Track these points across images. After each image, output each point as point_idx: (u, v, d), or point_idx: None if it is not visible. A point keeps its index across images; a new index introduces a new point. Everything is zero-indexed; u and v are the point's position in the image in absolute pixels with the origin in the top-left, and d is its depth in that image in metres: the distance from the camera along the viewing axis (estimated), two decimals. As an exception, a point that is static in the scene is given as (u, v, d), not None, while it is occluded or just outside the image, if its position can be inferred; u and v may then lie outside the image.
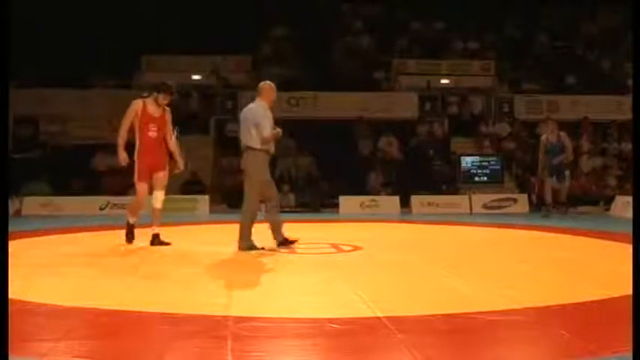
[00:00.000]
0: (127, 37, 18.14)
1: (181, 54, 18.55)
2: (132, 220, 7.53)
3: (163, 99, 7.38)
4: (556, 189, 12.86)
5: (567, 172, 12.86)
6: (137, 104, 7.36)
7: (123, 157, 7.28)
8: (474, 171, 16.80)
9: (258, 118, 6.97)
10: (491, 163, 16.74)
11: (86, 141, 17.14)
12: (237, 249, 6.97)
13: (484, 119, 18.79)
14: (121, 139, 7.34)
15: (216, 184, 16.26)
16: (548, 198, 12.79)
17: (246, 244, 6.95)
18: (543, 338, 3.47)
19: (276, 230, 7.17)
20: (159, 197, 7.40)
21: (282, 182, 14.87)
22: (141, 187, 7.32)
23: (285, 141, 16.70)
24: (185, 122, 15.50)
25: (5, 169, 4.06)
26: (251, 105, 7.21)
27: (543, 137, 12.95)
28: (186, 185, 15.43)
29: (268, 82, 7.32)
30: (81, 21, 18.42)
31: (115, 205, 14.82)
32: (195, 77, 18.95)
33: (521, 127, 18.36)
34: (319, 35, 20.11)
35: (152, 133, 7.28)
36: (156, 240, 7.36)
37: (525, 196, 15.79)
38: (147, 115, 7.31)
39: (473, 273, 5.70)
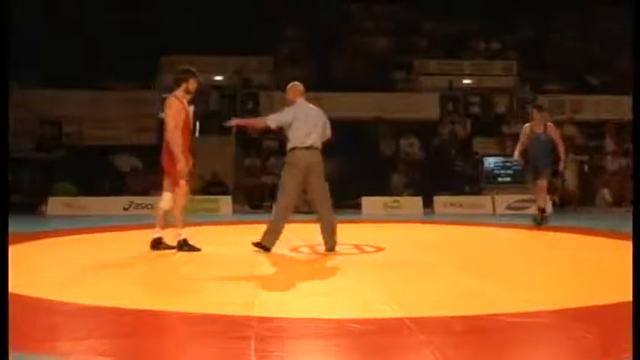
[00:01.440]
0: (147, 38, 18.29)
1: (201, 54, 18.66)
2: (183, 231, 6.97)
3: (193, 84, 6.99)
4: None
5: (549, 170, 10.30)
6: (176, 102, 6.87)
7: (183, 165, 6.76)
8: (497, 171, 16.67)
9: (325, 119, 7.10)
10: (515, 163, 16.59)
11: (108, 142, 17.34)
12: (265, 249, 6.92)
13: (506, 119, 18.64)
14: (179, 145, 6.77)
15: (239, 185, 16.33)
16: (542, 202, 10.40)
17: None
18: (565, 340, 3.43)
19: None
20: (170, 201, 7.02)
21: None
22: (186, 189, 6.91)
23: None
24: (206, 123, 15.63)
25: (5, 170, 4.11)
26: (311, 105, 7.18)
27: (527, 126, 10.42)
28: (208, 186, 15.53)
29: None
30: (102, 23, 18.62)
31: (138, 205, 14.94)
32: (217, 78, 19.03)
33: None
34: (339, 35, 20.11)
35: (196, 132, 7.01)
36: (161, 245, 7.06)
37: (549, 196, 15.62)
38: (187, 112, 6.96)
39: (495, 274, 5.64)
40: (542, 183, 10.11)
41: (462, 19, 21.19)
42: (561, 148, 10.07)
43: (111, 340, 3.44)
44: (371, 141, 17.63)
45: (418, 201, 15.63)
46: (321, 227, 6.98)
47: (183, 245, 6.87)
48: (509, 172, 16.75)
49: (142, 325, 3.69)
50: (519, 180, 16.30)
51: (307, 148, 6.90)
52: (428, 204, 15.55)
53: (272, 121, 7.12)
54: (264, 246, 6.86)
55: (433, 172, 16.70)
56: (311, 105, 7.18)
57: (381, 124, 17.88)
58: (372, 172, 16.29)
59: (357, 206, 15.42)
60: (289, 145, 6.98)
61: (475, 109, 19.08)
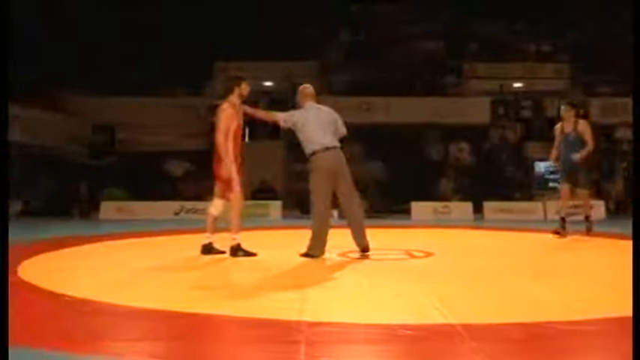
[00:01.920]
0: (198, 45, 18.57)
1: (252, 60, 18.87)
2: (238, 236, 6.97)
3: (245, 88, 7.00)
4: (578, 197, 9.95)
5: (582, 174, 9.50)
6: (229, 110, 6.86)
7: (234, 171, 6.79)
8: (549, 177, 16.32)
9: (336, 116, 7.02)
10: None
11: (160, 147, 17.66)
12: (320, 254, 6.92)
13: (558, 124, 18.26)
14: (229, 152, 6.79)
15: (289, 190, 16.43)
16: (563, 210, 9.67)
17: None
18: (622, 349, 3.32)
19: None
20: (220, 204, 7.06)
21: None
22: (241, 194, 6.93)
23: (355, 147, 16.71)
24: (256, 128, 15.80)
25: (5, 170, 4.17)
26: (318, 105, 7.11)
27: (558, 126, 9.66)
28: (257, 191, 15.66)
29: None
30: (155, 30, 18.99)
31: (189, 209, 15.15)
32: (267, 83, 19.20)
33: (597, 132, 17.74)
34: (387, 39, 20.05)
35: (241, 136, 6.97)
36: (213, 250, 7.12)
37: (602, 202, 15.25)
38: (240, 119, 6.96)
39: (548, 281, 5.52)
40: (583, 193, 9.67)
41: (512, 21, 20.90)
42: (588, 146, 9.19)
43: (163, 342, 3.49)
44: (420, 146, 17.52)
45: (468, 206, 15.45)
46: (351, 228, 6.93)
47: (238, 250, 6.88)
48: (557, 176, 16.37)
49: (194, 328, 3.70)
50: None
51: (327, 148, 6.82)
52: (478, 210, 15.34)
53: (283, 118, 7.10)
54: (311, 255, 6.85)
55: (483, 178, 16.50)
56: (319, 105, 7.12)
57: (431, 129, 17.76)
58: (422, 178, 16.18)
59: (407, 211, 15.32)
60: (308, 150, 6.90)
61: (526, 113, 18.78)
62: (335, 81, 18.46)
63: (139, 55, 18.34)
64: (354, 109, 16.57)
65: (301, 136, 6.95)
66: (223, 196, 6.98)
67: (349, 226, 6.96)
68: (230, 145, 6.80)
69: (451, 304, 4.29)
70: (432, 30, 21.21)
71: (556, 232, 9.55)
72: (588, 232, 9.67)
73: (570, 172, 9.38)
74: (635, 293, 3.27)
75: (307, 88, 7.19)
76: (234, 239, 6.91)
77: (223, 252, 6.98)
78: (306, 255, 6.86)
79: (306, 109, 7.02)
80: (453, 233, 11.32)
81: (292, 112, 7.12)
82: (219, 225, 7.18)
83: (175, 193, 16.37)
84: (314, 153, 6.84)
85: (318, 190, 6.86)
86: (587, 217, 9.76)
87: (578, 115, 9.57)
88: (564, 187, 9.53)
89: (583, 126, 9.35)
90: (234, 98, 6.98)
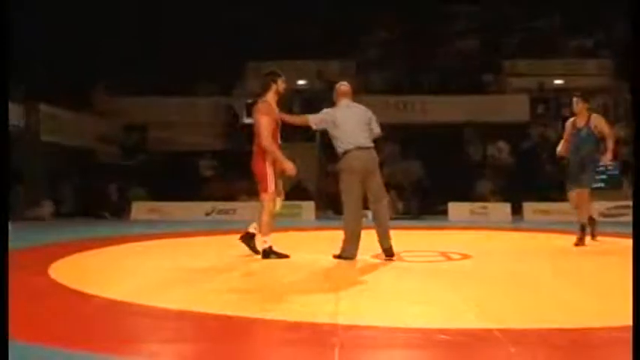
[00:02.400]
0: (231, 44, 18.64)
1: (285, 59, 18.85)
2: (268, 239, 6.83)
3: (282, 85, 6.84)
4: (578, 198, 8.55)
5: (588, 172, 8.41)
6: (269, 107, 6.75)
7: (291, 165, 6.67)
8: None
9: (370, 115, 6.92)
10: (609, 168, 15.82)
11: (192, 147, 17.75)
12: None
13: (601, 121, 17.83)
14: (277, 149, 6.67)
15: (323, 190, 16.38)
16: (583, 215, 8.45)
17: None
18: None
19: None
20: (278, 205, 6.98)
21: (389, 189, 14.74)
22: (274, 196, 6.81)
23: (392, 146, 16.58)
24: (290, 128, 15.78)
25: (6, 170, 4.17)
26: (354, 104, 6.99)
27: (569, 121, 8.66)
28: (291, 191, 15.64)
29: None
30: (187, 29, 19.13)
31: (220, 210, 15.19)
32: (300, 82, 19.17)
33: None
34: (425, 37, 19.86)
35: (278, 135, 6.82)
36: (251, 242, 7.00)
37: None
38: (277, 117, 6.81)
39: (589, 285, 5.36)
40: (583, 192, 8.40)
41: (552, 16, 20.49)
42: (609, 140, 8.27)
43: (196, 344, 3.47)
44: (458, 145, 17.31)
45: (506, 207, 15.19)
46: (377, 229, 6.81)
47: (270, 253, 6.80)
48: (602, 177, 15.92)
49: (227, 331, 3.68)
50: (613, 185, 15.53)
51: (360, 148, 6.68)
52: (516, 211, 15.08)
53: (313, 120, 6.96)
54: (344, 257, 6.75)
55: (522, 178, 16.19)
56: (355, 104, 6.97)
57: (469, 128, 17.53)
58: (459, 178, 15.98)
59: (444, 212, 15.14)
60: (340, 149, 6.76)
61: (567, 111, 18.36)
62: (371, 80, 18.38)
63: (171, 55, 18.47)
64: (390, 109, 16.45)
65: (335, 134, 6.81)
66: (261, 196, 6.88)
67: (376, 227, 6.86)
68: (269, 147, 6.65)
69: (489, 308, 4.20)
70: (470, 27, 20.94)
71: (590, 236, 8.62)
72: (593, 236, 8.73)
73: (577, 173, 8.45)
74: (636, 293, 3.14)
75: (343, 85, 7.06)
76: (264, 242, 6.83)
77: (258, 252, 6.92)
78: (339, 257, 6.77)
79: (340, 108, 6.89)
80: (490, 235, 11.12)
81: (325, 111, 6.97)
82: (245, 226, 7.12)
83: (207, 194, 16.41)
84: (346, 152, 6.72)
85: (350, 191, 6.75)
86: (590, 219, 8.69)
87: (590, 109, 8.65)
88: (572, 194, 8.53)
89: (597, 120, 8.38)
90: (270, 96, 6.85)
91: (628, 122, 17.49)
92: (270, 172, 6.71)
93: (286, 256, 6.82)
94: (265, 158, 6.72)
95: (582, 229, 8.38)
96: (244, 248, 7.07)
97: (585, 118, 8.40)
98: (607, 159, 8.30)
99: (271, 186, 6.74)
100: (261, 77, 7.21)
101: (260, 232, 6.88)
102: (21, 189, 14.74)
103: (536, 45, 20.08)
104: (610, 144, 8.25)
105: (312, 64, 19.14)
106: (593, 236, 8.73)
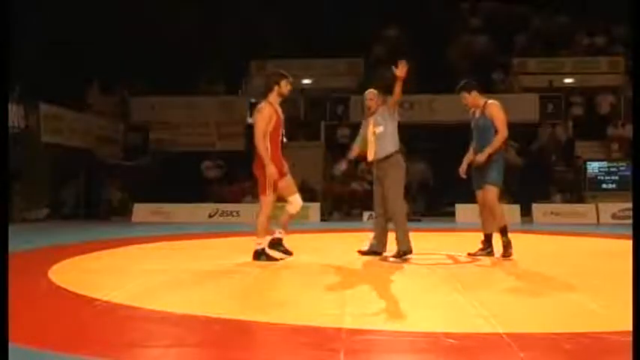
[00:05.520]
0: (234, 43, 18.58)
1: (290, 58, 18.79)
2: (263, 241, 6.81)
3: (286, 87, 6.77)
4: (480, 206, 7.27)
5: (493, 174, 6.97)
6: (268, 108, 6.64)
7: (274, 170, 6.55)
8: (602, 177, 15.85)
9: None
10: (621, 168, 15.70)
11: (195, 148, 17.69)
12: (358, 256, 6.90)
13: (612, 121, 17.65)
14: (267, 151, 6.56)
15: (328, 192, 16.28)
16: (489, 227, 7.30)
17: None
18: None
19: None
20: (299, 201, 6.91)
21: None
22: (272, 198, 6.74)
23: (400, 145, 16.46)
24: (294, 128, 15.70)
25: (6, 170, 4.12)
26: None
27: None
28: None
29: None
30: (190, 29, 19.09)
31: (224, 212, 15.13)
32: (305, 81, 19.10)
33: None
34: (434, 35, 19.73)
35: (283, 138, 6.76)
36: (280, 247, 6.89)
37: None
38: (279, 118, 6.73)
39: (600, 288, 5.28)
40: (485, 195, 7.06)
41: (561, 12, 20.30)
42: (499, 135, 6.93)
43: (198, 348, 3.42)
44: (466, 145, 17.18)
45: (515, 209, 15.06)
46: (383, 228, 7.03)
47: (261, 254, 6.73)
48: (614, 177, 15.88)
49: (230, 335, 3.63)
50: (626, 187, 15.37)
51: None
52: (526, 212, 14.96)
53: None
54: (405, 253, 6.76)
55: (532, 179, 16.05)
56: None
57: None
58: (467, 179, 15.83)
59: (451, 214, 15.03)
60: (391, 149, 6.92)
61: (577, 110, 18.23)
62: (379, 78, 18.24)
63: (174, 54, 18.43)
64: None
65: (387, 136, 6.95)
66: (260, 198, 6.83)
67: (383, 226, 7.06)
68: (268, 146, 6.62)
69: (498, 312, 4.12)
70: (480, 24, 20.79)
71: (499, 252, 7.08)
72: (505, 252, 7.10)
73: (476, 172, 7.19)
74: (635, 294, 3.05)
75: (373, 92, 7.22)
76: (259, 243, 6.76)
77: (290, 253, 6.89)
78: (402, 255, 6.76)
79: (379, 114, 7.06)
80: (498, 237, 10.98)
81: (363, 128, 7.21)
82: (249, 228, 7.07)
83: (210, 195, 16.34)
84: (397, 152, 6.95)
85: (401, 188, 6.89)
86: (486, 237, 7.39)
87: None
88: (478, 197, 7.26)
89: (492, 107, 7.03)
90: (272, 97, 6.78)
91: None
92: (270, 173, 6.58)
93: (276, 259, 6.73)
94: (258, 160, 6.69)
95: (487, 240, 7.24)
96: (247, 251, 6.99)
97: (482, 108, 7.12)
98: (478, 158, 7.00)
99: (268, 188, 6.64)
100: (266, 76, 7.19)
101: (256, 232, 6.81)
102: (21, 190, 14.72)
103: (546, 42, 19.91)
104: (494, 142, 6.94)
105: (318, 62, 19.05)
106: (505, 253, 7.04)
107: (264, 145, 6.60)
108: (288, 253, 6.84)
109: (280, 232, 6.88)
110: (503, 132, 6.96)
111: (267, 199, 6.70)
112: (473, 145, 7.32)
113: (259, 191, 6.79)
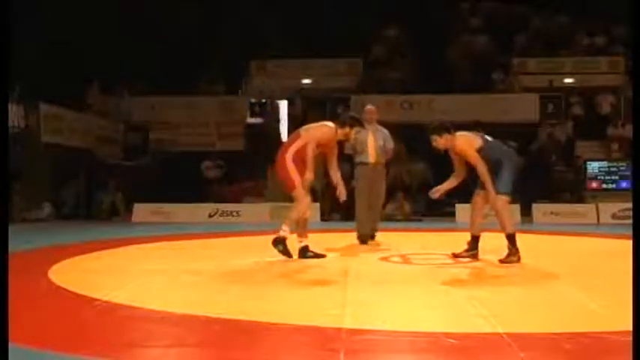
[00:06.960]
0: (234, 43, 18.56)
1: (290, 58, 18.72)
2: (287, 233, 6.86)
3: (350, 135, 7.20)
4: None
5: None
6: (333, 133, 7.05)
7: (311, 177, 6.88)
8: (602, 177, 15.83)
9: None
10: (621, 168, 15.69)
11: (195, 148, 17.67)
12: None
13: (612, 121, 17.64)
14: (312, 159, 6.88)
15: (328, 191, 16.25)
16: (476, 229, 7.31)
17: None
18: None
19: None
20: (310, 204, 7.13)
21: (395, 189, 14.63)
22: (305, 184, 6.88)
23: (397, 146, 16.44)
24: (294, 128, 15.70)
25: (6, 170, 4.12)
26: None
27: None
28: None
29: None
30: (189, 28, 19.06)
31: (224, 212, 15.10)
32: (305, 81, 19.08)
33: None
34: (434, 35, 19.70)
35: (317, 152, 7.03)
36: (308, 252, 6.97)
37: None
38: (331, 145, 7.13)
39: (601, 288, 5.27)
40: (494, 204, 7.00)
41: (561, 12, 20.28)
42: (478, 171, 6.96)
43: (198, 349, 3.44)
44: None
45: (515, 209, 15.03)
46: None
47: (280, 243, 6.74)
48: (614, 177, 15.85)
49: (230, 335, 3.64)
50: (625, 187, 15.39)
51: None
52: (526, 212, 14.95)
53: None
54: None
55: (531, 179, 16.03)
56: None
57: (476, 128, 17.39)
58: (467, 178, 15.83)
59: (451, 214, 15.02)
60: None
61: (577, 110, 18.21)
62: (378, 78, 18.25)
63: (174, 54, 18.40)
64: (396, 108, 16.34)
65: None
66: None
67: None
68: (310, 154, 6.79)
69: (499, 312, 4.13)
70: (480, 24, 20.76)
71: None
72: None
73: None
74: (635, 294, 3.05)
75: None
76: (284, 230, 6.75)
77: (321, 255, 6.92)
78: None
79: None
80: (499, 237, 10.97)
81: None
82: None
83: (210, 195, 16.31)
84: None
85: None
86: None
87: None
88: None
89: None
90: (340, 130, 7.06)
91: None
92: (291, 166, 6.76)
93: (290, 256, 6.75)
94: (286, 161, 6.83)
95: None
96: (248, 251, 7.01)
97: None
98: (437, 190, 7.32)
99: (297, 178, 6.75)
100: (350, 116, 7.46)
101: (285, 221, 6.83)
102: (21, 190, 14.71)
103: (546, 42, 19.89)
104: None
105: (317, 62, 19.02)
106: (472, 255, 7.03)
107: (312, 153, 6.78)
108: (317, 255, 6.89)
109: (301, 241, 6.94)
110: (478, 166, 6.85)
111: (298, 190, 6.77)
112: (455, 175, 7.33)
113: (288, 187, 6.87)
